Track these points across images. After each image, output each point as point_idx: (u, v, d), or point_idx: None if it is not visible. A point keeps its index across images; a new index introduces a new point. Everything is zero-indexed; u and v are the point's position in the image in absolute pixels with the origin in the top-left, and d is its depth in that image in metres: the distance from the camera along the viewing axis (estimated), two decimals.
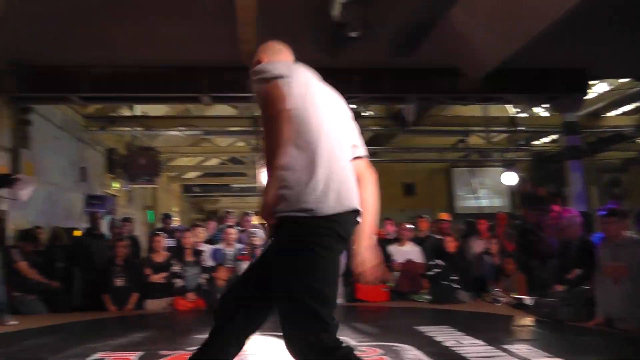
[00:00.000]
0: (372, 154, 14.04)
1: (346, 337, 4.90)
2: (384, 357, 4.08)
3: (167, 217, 10.08)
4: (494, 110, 12.56)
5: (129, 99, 9.51)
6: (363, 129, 11.31)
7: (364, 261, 2.48)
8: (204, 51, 7.73)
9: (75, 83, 7.97)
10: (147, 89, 8.10)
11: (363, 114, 12.04)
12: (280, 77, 2.41)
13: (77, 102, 8.77)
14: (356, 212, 2.43)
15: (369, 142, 13.41)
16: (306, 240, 2.24)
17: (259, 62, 2.65)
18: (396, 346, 4.43)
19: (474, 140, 13.61)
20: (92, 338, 5.26)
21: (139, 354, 4.47)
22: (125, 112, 11.89)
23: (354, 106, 11.19)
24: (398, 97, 8.82)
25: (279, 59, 2.74)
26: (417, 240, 8.36)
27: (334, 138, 2.48)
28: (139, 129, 11.47)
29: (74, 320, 6.56)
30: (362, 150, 2.78)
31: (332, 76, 7.73)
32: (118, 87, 8.09)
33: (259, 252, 7.27)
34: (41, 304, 7.31)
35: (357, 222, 2.46)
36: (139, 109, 11.73)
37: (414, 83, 8.31)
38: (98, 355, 4.50)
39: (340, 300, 7.46)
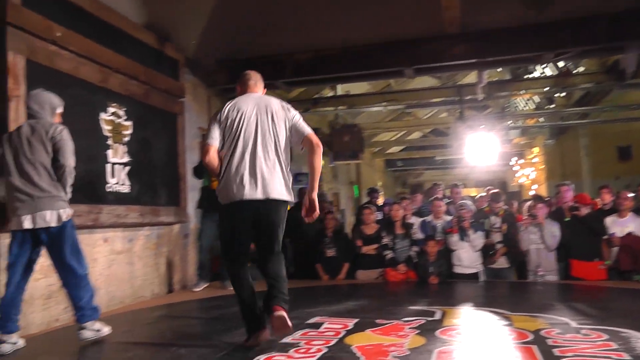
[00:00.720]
0: (582, 116, 13.24)
1: (565, 317, 4.65)
2: (609, 343, 3.74)
3: (373, 191, 10.22)
4: None
5: (332, 80, 9.73)
6: (574, 88, 10.56)
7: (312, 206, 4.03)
8: (404, 24, 7.67)
9: (280, 70, 8.37)
10: (349, 68, 8.24)
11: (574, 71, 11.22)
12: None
13: (282, 88, 9.25)
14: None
15: (579, 102, 12.58)
16: None
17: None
18: (623, 332, 4.02)
19: None
20: (308, 304, 5.58)
21: (355, 320, 4.65)
22: (328, 93, 12.35)
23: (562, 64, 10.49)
24: (615, 46, 7.80)
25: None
26: (639, 211, 7.59)
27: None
28: (341, 107, 11.85)
29: (289, 287, 6.94)
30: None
31: (540, 32, 7.34)
32: (321, 69, 8.32)
33: (467, 224, 7.17)
34: (257, 271, 7.95)
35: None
36: (341, 89, 12.08)
37: (634, 27, 7.20)
38: (316, 319, 4.78)
39: (553, 278, 7.11)
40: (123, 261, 6.18)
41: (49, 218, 4.08)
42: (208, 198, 6.84)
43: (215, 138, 3.96)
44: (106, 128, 5.96)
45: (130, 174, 6.25)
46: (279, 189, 3.95)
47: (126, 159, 6.22)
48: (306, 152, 4.11)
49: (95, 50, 5.82)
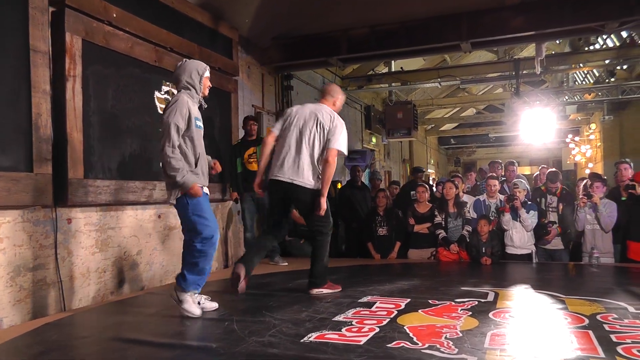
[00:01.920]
0: None
1: (623, 302, 4.54)
2: None
3: (417, 171, 10.19)
4: None
5: (388, 55, 9.66)
6: (638, 59, 9.97)
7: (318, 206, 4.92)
8: None
9: (334, 47, 8.40)
10: (405, 44, 8.18)
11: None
12: None
13: (336, 64, 9.25)
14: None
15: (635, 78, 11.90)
16: None
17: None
18: None
19: None
20: (360, 283, 5.63)
21: (407, 300, 4.66)
22: (382, 70, 12.28)
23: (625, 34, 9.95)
24: None
25: None
26: None
27: None
28: (395, 84, 11.77)
29: (341, 265, 7.00)
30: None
31: (603, 1, 6.93)
32: (375, 45, 8.28)
33: (519, 204, 7.06)
34: (309, 248, 8.12)
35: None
36: (396, 65, 12.00)
37: None
38: (368, 298, 4.81)
39: (609, 260, 6.96)
40: (177, 236, 6.33)
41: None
42: (245, 180, 7.16)
43: (277, 128, 5.17)
44: (161, 106, 6.11)
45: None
46: (303, 177, 4.94)
47: None
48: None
49: (150, 30, 5.96)
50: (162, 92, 6.16)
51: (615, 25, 7.54)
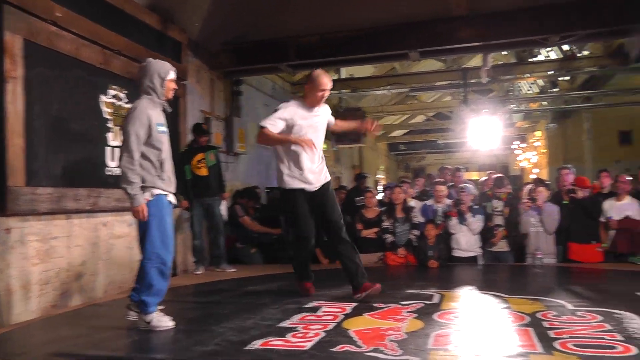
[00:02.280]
0: (585, 99, 13.19)
1: (561, 300, 4.73)
2: (604, 324, 3.84)
3: (360, 177, 10.27)
4: None
5: (337, 63, 9.70)
6: (579, 72, 10.55)
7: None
8: (412, 6, 7.69)
9: (284, 53, 8.37)
10: (354, 51, 8.23)
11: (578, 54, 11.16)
12: None
13: (286, 71, 9.25)
14: None
15: (582, 86, 12.60)
16: None
17: None
18: (617, 313, 4.14)
19: None
20: None
21: (353, 304, 4.70)
22: (332, 76, 12.33)
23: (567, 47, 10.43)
24: (621, 29, 7.77)
25: None
26: (637, 195, 7.61)
27: None
28: (345, 91, 11.85)
29: (288, 272, 7.00)
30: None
31: (547, 14, 7.29)
32: (325, 52, 8.30)
33: (465, 208, 7.21)
34: (259, 256, 8.13)
35: None
36: (346, 72, 12.07)
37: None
38: (314, 303, 4.82)
39: (551, 260, 7.18)
40: (123, 245, 6.19)
41: None
42: (194, 186, 7.13)
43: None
44: (106, 110, 5.98)
45: None
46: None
47: None
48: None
49: (97, 31, 5.81)
50: (109, 96, 6.02)
51: (557, 38, 7.84)
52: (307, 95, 4.99)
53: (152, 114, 4.09)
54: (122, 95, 6.21)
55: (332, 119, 5.26)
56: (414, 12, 7.80)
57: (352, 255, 4.99)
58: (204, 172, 7.25)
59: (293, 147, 4.89)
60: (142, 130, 4.01)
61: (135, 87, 6.19)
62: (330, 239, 5.16)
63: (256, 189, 8.97)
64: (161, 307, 4.20)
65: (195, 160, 7.26)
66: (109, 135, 5.99)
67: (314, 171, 4.98)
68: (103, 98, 5.95)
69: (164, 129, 4.22)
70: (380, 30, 8.04)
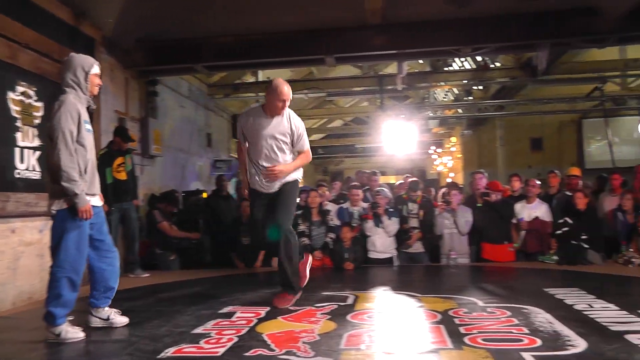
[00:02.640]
0: (498, 108, 13.76)
1: (473, 297, 4.88)
2: (512, 319, 3.99)
3: None
4: (633, 52, 11.59)
5: (253, 65, 9.73)
6: (491, 82, 11.14)
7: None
8: (327, 12, 7.71)
9: (199, 53, 8.24)
10: (270, 54, 8.19)
11: (491, 65, 11.62)
12: None
13: (202, 72, 9.11)
14: None
15: (495, 95, 13.19)
16: None
17: None
18: (525, 308, 4.32)
19: (608, 87, 12.66)
20: (222, 293, 5.54)
21: (267, 308, 4.66)
22: (249, 79, 12.26)
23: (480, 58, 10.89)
24: (528, 44, 8.24)
25: None
26: (547, 198, 7.98)
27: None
28: (262, 94, 11.79)
29: (204, 277, 6.96)
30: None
31: (459, 28, 7.64)
32: (241, 54, 8.23)
33: (381, 210, 7.29)
34: (177, 262, 7.93)
35: None
36: (263, 75, 12.03)
37: (544, 28, 7.69)
38: (229, 308, 4.74)
39: (465, 260, 7.38)
40: (33, 253, 5.81)
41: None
42: (114, 191, 6.87)
43: None
44: (14, 109, 5.60)
45: (41, 159, 5.84)
46: None
47: (37, 143, 5.84)
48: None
49: (2, 22, 5.45)
50: (17, 93, 5.64)
51: (469, 50, 8.20)
52: (267, 104, 4.86)
53: (80, 109, 3.89)
54: (31, 92, 5.84)
55: (301, 141, 5.09)
56: (330, 19, 7.87)
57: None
58: (123, 176, 7.02)
59: (251, 158, 4.99)
60: (73, 126, 3.80)
61: (46, 84, 5.97)
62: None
63: (175, 193, 8.72)
64: (70, 317, 3.98)
65: (115, 164, 7.00)
66: (18, 135, 5.61)
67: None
68: (10, 95, 5.57)
69: (89, 127, 4.02)
70: (297, 34, 8.07)
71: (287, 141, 4.91)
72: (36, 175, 5.82)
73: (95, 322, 4.13)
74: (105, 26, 7.44)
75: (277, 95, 4.73)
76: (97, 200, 4.11)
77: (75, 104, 3.87)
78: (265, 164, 4.85)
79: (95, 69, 4.06)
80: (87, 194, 3.91)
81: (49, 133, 3.85)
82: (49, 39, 6.17)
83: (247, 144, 5.02)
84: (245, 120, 4.94)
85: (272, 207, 4.89)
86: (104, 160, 6.87)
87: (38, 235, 5.88)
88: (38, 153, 5.84)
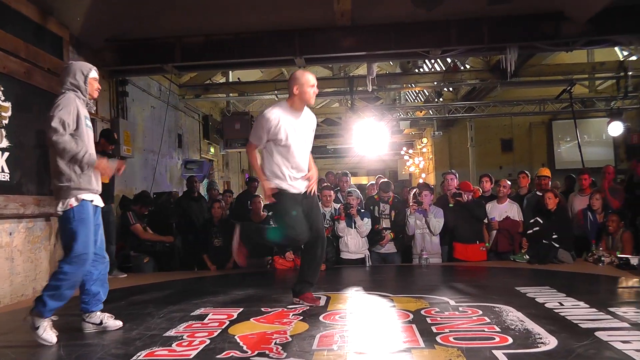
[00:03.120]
0: (468, 109, 13.97)
1: (445, 297, 4.90)
2: (483, 317, 4.02)
3: (252, 181, 10.04)
4: (600, 55, 11.85)
5: (223, 66, 9.71)
6: (461, 83, 11.36)
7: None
8: (296, 13, 7.75)
9: (169, 53, 8.20)
10: (240, 55, 8.16)
11: (461, 67, 11.76)
12: None
13: (172, 72, 9.04)
14: None
15: (466, 97, 13.47)
16: None
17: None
18: (496, 307, 4.36)
19: (577, 89, 12.93)
20: (194, 295, 5.51)
21: (240, 310, 4.62)
22: (220, 79, 12.20)
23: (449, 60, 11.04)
24: (498, 47, 8.36)
25: None
26: (517, 198, 8.08)
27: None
28: (233, 94, 11.76)
29: (177, 279, 6.93)
30: None
31: (429, 30, 7.75)
32: (211, 54, 8.22)
33: (353, 211, 7.29)
34: (151, 264, 7.83)
35: None
36: (233, 75, 11.98)
37: (514, 31, 7.88)
38: (201, 310, 4.70)
39: (437, 260, 7.43)
40: (2, 256, 5.66)
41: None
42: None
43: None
44: None
45: (9, 160, 5.73)
46: None
47: (5, 144, 5.69)
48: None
49: None
50: None
51: (439, 52, 8.32)
52: (296, 97, 4.57)
53: (80, 106, 3.96)
54: None
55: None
56: (300, 20, 7.92)
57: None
58: (106, 180, 6.89)
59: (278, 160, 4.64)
60: (68, 117, 3.84)
61: (14, 84, 5.82)
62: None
63: (147, 194, 8.58)
64: (55, 317, 3.92)
65: None
66: None
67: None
68: None
69: (89, 123, 4.09)
70: (265, 35, 8.10)
71: (312, 136, 4.81)
72: (5, 177, 5.67)
73: (89, 328, 4.10)
74: (73, 25, 7.30)
75: (305, 82, 4.52)
76: (98, 200, 4.15)
77: (74, 100, 3.95)
78: (301, 164, 4.67)
79: (94, 73, 4.16)
80: (88, 192, 3.99)
81: (45, 130, 3.90)
82: (15, 37, 6.01)
83: (265, 145, 4.67)
84: (276, 118, 4.52)
85: (310, 217, 4.73)
86: None
87: (7, 238, 5.76)
88: (7, 154, 5.69)
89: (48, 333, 3.79)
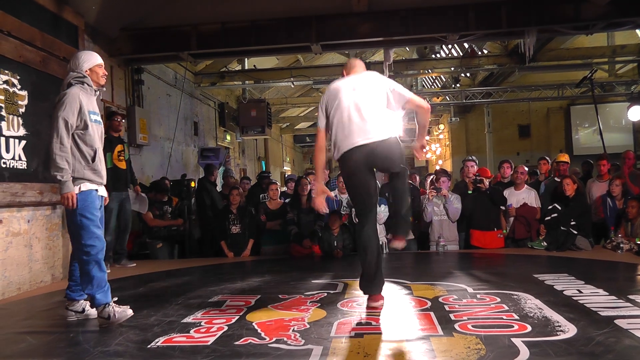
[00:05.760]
0: (486, 95, 13.87)
1: (463, 284, 4.88)
2: (501, 305, 4.00)
3: (262, 177, 9.72)
4: (620, 38, 11.67)
5: (239, 53, 9.68)
6: (478, 69, 11.26)
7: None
8: (313, 0, 7.76)
9: (185, 41, 8.20)
10: (256, 42, 8.14)
11: (478, 53, 11.64)
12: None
13: (188, 60, 9.04)
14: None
15: (483, 83, 13.38)
16: None
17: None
18: (514, 294, 4.33)
19: (597, 73, 12.75)
20: (212, 282, 5.54)
21: (257, 297, 4.65)
22: (235, 67, 12.19)
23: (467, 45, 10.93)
24: (516, 31, 8.27)
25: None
26: (535, 184, 7.99)
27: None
28: (249, 82, 11.75)
29: (194, 266, 6.97)
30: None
31: (446, 15, 7.66)
32: (227, 42, 8.19)
33: None
34: (165, 250, 7.86)
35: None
36: (249, 63, 11.96)
37: (533, 14, 7.72)
38: (218, 297, 4.73)
39: (454, 247, 7.39)
40: (21, 244, 5.73)
41: None
42: (113, 179, 6.67)
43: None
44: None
45: (26, 149, 5.77)
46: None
47: (22, 132, 5.73)
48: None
49: None
50: (1, 82, 5.49)
51: (456, 37, 8.22)
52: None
53: (84, 101, 3.98)
54: (15, 81, 5.68)
55: (401, 92, 4.35)
56: (316, 6, 7.89)
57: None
58: (123, 165, 6.96)
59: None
60: (71, 116, 3.88)
61: (30, 73, 5.85)
62: None
63: (165, 181, 8.56)
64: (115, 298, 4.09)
65: (116, 150, 6.92)
66: (2, 124, 5.48)
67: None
68: None
69: (98, 117, 4.11)
70: (281, 22, 8.06)
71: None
72: (22, 165, 5.71)
73: (71, 316, 4.14)
74: (88, 13, 7.30)
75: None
76: (103, 191, 4.18)
77: (78, 95, 3.96)
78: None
79: (99, 60, 4.19)
80: (94, 182, 4.04)
81: (51, 122, 3.95)
82: (31, 27, 6.03)
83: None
84: (331, 88, 4.42)
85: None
86: (105, 145, 6.79)
87: (26, 225, 5.80)
88: (24, 142, 5.74)
89: (118, 311, 3.91)
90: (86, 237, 3.91)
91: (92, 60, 4.12)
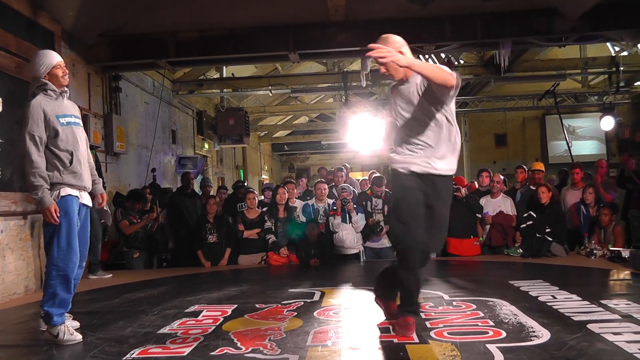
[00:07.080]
0: (462, 104, 14.01)
1: (439, 292, 4.92)
2: (477, 312, 4.05)
3: (238, 187, 9.82)
4: (592, 51, 11.90)
5: (217, 61, 9.70)
6: None
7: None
8: (290, 8, 7.77)
9: (163, 49, 8.16)
10: (235, 50, 8.14)
11: (455, 63, 11.77)
12: None
13: (166, 67, 8.99)
14: None
15: (460, 92, 13.46)
16: None
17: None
18: (490, 301, 4.39)
19: (570, 84, 13.00)
20: (188, 292, 5.50)
21: (234, 306, 4.63)
22: (213, 75, 12.17)
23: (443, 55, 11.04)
24: (491, 42, 8.40)
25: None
26: (511, 192, 8.10)
27: None
28: (227, 90, 11.74)
29: (170, 276, 6.93)
30: None
31: (423, 25, 7.74)
32: (205, 50, 8.19)
33: (350, 206, 7.28)
34: (140, 259, 7.77)
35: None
36: (227, 71, 11.95)
37: (507, 27, 7.88)
38: (195, 307, 4.70)
39: (431, 255, 7.42)
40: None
41: None
42: None
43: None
44: None
45: (0, 157, 5.69)
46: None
47: None
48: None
49: None
50: None
51: (432, 47, 8.32)
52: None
53: (48, 109, 3.84)
54: None
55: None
56: (294, 15, 7.92)
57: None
58: None
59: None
60: (36, 128, 3.77)
61: (5, 79, 5.78)
62: None
63: (145, 190, 8.45)
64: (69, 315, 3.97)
65: None
66: None
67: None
68: None
69: (71, 119, 3.96)
70: (258, 31, 8.07)
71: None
72: None
73: (43, 327, 3.97)
74: (65, 20, 7.23)
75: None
76: (86, 198, 4.06)
77: (39, 104, 3.84)
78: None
79: (55, 60, 3.99)
80: (76, 188, 3.92)
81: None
82: (6, 32, 5.95)
83: None
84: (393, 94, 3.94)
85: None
86: None
87: None
88: None
89: (68, 334, 3.75)
90: (60, 248, 3.79)
91: (47, 62, 3.95)
